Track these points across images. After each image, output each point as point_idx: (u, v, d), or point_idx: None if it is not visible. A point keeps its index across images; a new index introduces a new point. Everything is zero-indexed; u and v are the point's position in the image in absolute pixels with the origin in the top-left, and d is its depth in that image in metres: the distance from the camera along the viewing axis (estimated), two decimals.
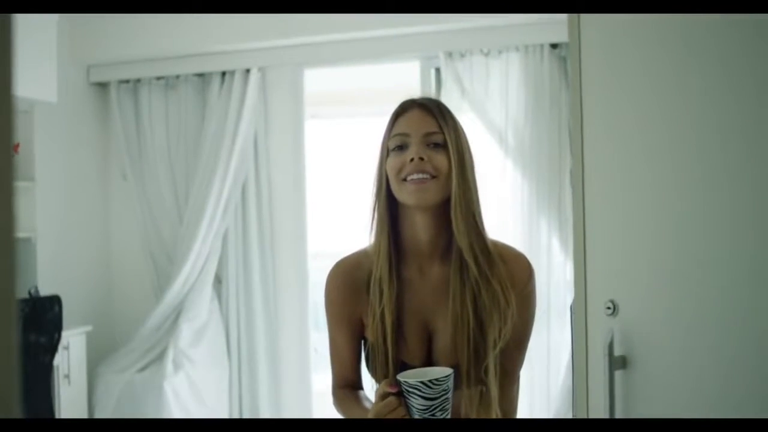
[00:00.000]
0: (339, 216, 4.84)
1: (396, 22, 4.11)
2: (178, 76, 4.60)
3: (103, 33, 4.57)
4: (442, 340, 1.58)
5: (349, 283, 1.66)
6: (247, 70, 4.46)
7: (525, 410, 3.95)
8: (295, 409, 4.46)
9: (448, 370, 1.44)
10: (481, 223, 1.59)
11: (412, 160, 1.55)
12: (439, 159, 1.57)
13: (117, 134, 4.70)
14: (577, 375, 1.24)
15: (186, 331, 4.42)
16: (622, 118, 1.30)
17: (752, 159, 1.16)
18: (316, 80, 4.67)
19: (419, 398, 1.41)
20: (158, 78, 4.64)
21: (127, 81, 4.70)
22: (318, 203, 4.76)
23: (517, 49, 4.01)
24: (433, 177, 1.56)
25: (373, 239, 1.64)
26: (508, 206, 4.02)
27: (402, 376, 1.44)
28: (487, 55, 4.07)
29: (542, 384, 3.99)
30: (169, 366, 4.30)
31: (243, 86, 4.45)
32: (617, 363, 1.15)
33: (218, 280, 4.61)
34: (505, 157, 4.02)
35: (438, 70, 4.23)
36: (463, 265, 1.57)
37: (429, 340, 1.61)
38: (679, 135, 1.22)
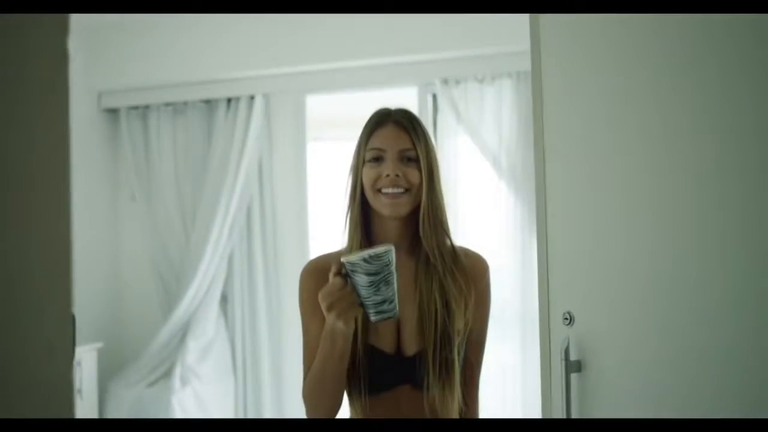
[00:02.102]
0: (340, 235, 4.97)
1: (394, 50, 4.30)
2: (185, 103, 4.77)
3: (113, 62, 4.76)
4: (409, 326, 1.69)
5: (322, 273, 1.69)
6: (252, 97, 4.63)
7: (518, 412, 4.08)
8: None
9: (388, 246, 1.51)
10: (447, 228, 1.75)
11: (388, 175, 1.69)
12: (412, 173, 1.71)
13: (127, 158, 4.86)
14: (542, 377, 1.40)
15: (193, 347, 4.57)
16: (582, 133, 1.44)
17: (706, 178, 1.27)
18: (319, 104, 4.83)
19: (362, 275, 1.48)
20: (166, 104, 4.81)
21: (137, 107, 4.87)
22: (320, 223, 4.90)
23: (509, 75, 4.18)
24: (406, 190, 1.70)
25: (346, 239, 1.78)
26: (501, 226, 4.18)
27: (344, 257, 1.51)
28: (481, 81, 4.24)
29: (535, 390, 4.12)
30: (176, 381, 4.45)
31: (248, 112, 4.62)
32: (573, 366, 1.31)
33: (224, 299, 4.76)
34: (498, 179, 4.17)
35: (435, 96, 4.39)
36: (429, 260, 1.72)
37: (397, 326, 1.70)
38: (640, 156, 1.36)
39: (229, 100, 4.69)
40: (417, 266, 1.73)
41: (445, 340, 1.66)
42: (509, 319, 4.14)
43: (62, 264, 0.73)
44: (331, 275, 1.54)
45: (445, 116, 4.31)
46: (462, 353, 1.71)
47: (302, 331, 1.77)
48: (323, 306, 1.53)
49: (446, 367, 1.65)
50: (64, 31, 0.69)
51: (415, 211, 1.72)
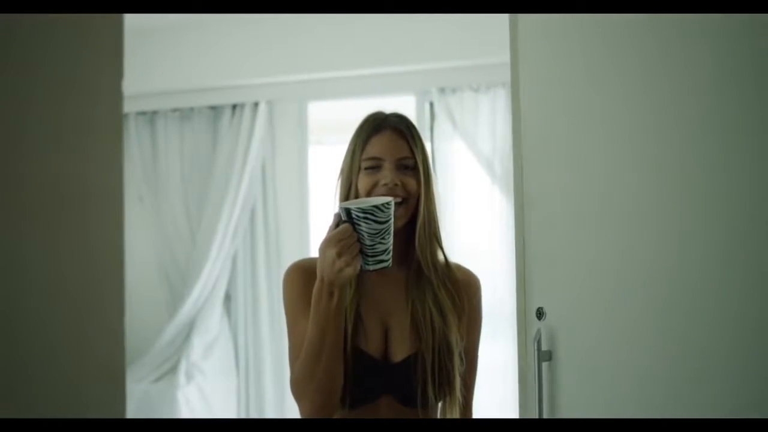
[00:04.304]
0: None
1: (394, 60, 4.47)
2: (192, 109, 4.92)
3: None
4: (398, 334, 1.62)
5: (310, 272, 1.62)
6: (256, 104, 4.78)
7: (511, 411, 4.22)
8: None
9: (390, 198, 1.52)
10: (441, 240, 1.69)
11: (385, 184, 1.63)
12: (410, 182, 1.64)
13: (135, 161, 5.00)
14: (519, 366, 1.57)
15: (197, 345, 4.73)
16: (559, 139, 1.56)
17: (673, 183, 1.37)
18: (321, 110, 4.98)
19: (372, 222, 1.45)
20: (174, 110, 4.97)
21: (145, 113, 5.02)
22: (321, 225, 5.04)
23: (503, 85, 4.33)
24: (404, 200, 1.63)
25: None
26: (494, 229, 4.34)
27: (352, 203, 1.49)
28: (476, 90, 4.40)
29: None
30: (182, 377, 4.61)
31: (252, 118, 4.78)
32: (545, 356, 1.48)
33: (228, 298, 4.92)
34: (492, 184, 4.34)
35: (432, 104, 4.54)
36: (420, 272, 1.66)
37: (385, 332, 1.64)
38: (610, 171, 1.51)
39: (234, 107, 4.84)
40: (408, 277, 1.68)
41: (444, 349, 1.60)
42: (502, 320, 4.29)
43: (116, 264, 0.88)
44: (332, 224, 1.51)
45: (442, 123, 4.46)
46: (463, 366, 1.63)
47: (289, 331, 1.67)
48: (331, 253, 1.47)
49: (447, 377, 1.59)
50: (120, 74, 0.85)
51: (409, 221, 1.67)
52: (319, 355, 1.54)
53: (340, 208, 1.50)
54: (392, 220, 1.49)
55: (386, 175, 1.64)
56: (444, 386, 1.60)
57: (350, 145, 1.71)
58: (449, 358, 1.60)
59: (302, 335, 1.60)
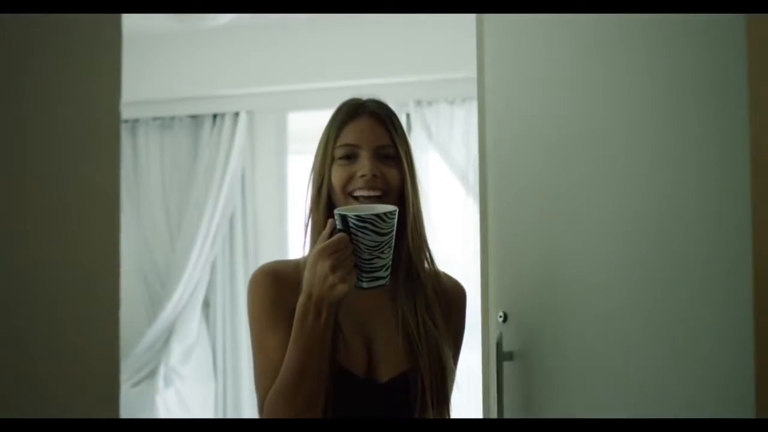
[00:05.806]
0: (300, 246, 5.17)
1: (372, 73, 4.56)
2: (173, 118, 5.00)
3: None
4: (384, 349, 1.45)
5: (281, 278, 1.46)
6: (236, 113, 4.88)
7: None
8: None
9: (393, 207, 1.33)
10: (428, 244, 1.54)
11: (363, 176, 1.44)
12: (391, 173, 1.46)
13: None
14: (483, 366, 1.67)
15: (176, 350, 4.80)
16: (523, 144, 1.60)
17: (636, 194, 1.38)
18: (300, 120, 5.06)
19: (371, 233, 1.27)
20: (155, 119, 5.04)
21: (126, 121, 5.09)
22: (299, 233, 5.10)
23: None
24: (384, 193, 1.45)
25: (307, 250, 1.51)
26: (468, 240, 4.44)
27: (350, 211, 1.31)
28: (451, 103, 4.52)
29: None
30: (160, 382, 4.69)
31: (232, 128, 4.87)
32: (506, 356, 1.58)
33: (206, 304, 5.00)
34: (466, 195, 4.45)
35: (408, 116, 4.64)
36: (411, 278, 1.49)
37: (368, 348, 1.46)
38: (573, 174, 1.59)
39: (214, 116, 4.92)
40: (395, 284, 1.48)
41: (442, 367, 1.45)
42: (474, 327, 4.38)
43: (112, 265, 0.95)
44: (326, 233, 1.31)
45: (418, 135, 4.57)
46: (453, 383, 1.51)
47: (256, 348, 1.43)
48: (324, 266, 1.27)
49: (445, 398, 1.44)
50: (118, 95, 0.93)
51: None
52: (301, 381, 1.34)
53: (336, 214, 1.31)
54: (394, 232, 1.30)
55: (364, 165, 1.44)
56: (442, 407, 1.45)
57: (323, 135, 1.51)
58: (445, 376, 1.45)
59: (272, 354, 1.40)
